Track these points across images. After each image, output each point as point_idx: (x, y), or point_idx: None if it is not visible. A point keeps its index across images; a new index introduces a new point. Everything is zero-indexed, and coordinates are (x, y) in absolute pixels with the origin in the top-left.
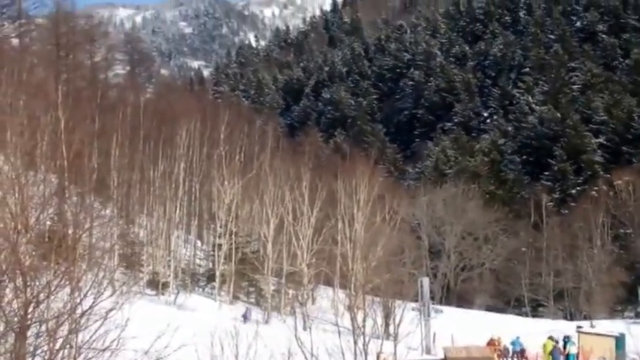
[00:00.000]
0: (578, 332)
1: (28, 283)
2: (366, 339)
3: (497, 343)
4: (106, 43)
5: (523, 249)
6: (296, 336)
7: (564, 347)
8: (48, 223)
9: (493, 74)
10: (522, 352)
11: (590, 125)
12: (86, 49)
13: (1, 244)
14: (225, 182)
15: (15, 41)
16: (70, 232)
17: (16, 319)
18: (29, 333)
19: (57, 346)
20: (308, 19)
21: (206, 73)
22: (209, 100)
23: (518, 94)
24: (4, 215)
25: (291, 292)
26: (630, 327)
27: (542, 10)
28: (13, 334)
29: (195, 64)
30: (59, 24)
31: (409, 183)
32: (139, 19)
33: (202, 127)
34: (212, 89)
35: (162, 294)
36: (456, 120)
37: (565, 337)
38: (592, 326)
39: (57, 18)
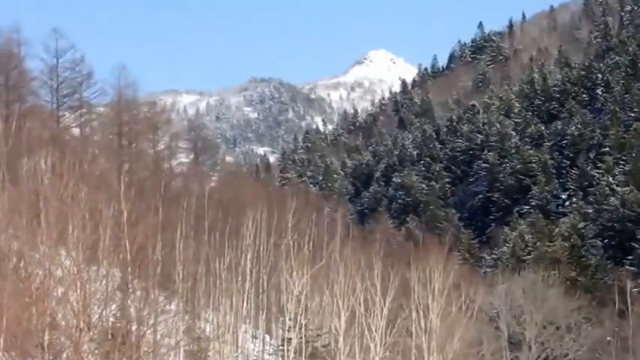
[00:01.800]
0: None
1: None
2: None
3: None
4: (169, 131)
5: (608, 338)
6: None
7: None
8: (111, 319)
9: (571, 154)
10: None
11: None
12: (149, 137)
13: (63, 343)
14: (294, 273)
15: (76, 131)
16: (133, 328)
17: None
18: None
19: None
20: (376, 101)
21: (272, 159)
22: (276, 187)
23: (597, 175)
24: (65, 312)
25: None
26: None
27: (620, 86)
28: None
29: (261, 150)
30: (121, 112)
31: (486, 270)
32: (202, 105)
33: (269, 216)
34: (279, 176)
35: None
36: (533, 203)
37: None
38: None
39: (119, 106)
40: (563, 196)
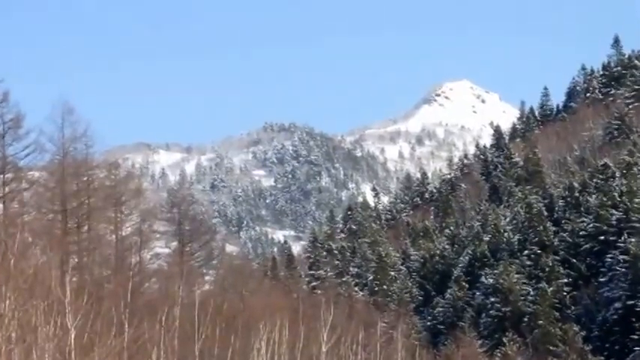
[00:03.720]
0: None
1: None
2: None
3: None
4: (139, 207)
5: None
6: None
7: None
8: None
9: None
10: None
11: None
12: (109, 217)
13: None
14: None
15: None
16: None
17: None
18: None
19: None
20: (456, 159)
21: (297, 248)
22: (303, 292)
23: None
24: None
25: None
26: None
27: None
28: None
29: (280, 234)
30: (66, 179)
31: None
32: (190, 167)
33: (292, 335)
34: (307, 274)
35: None
36: None
37: None
38: None
39: (62, 169)
40: None
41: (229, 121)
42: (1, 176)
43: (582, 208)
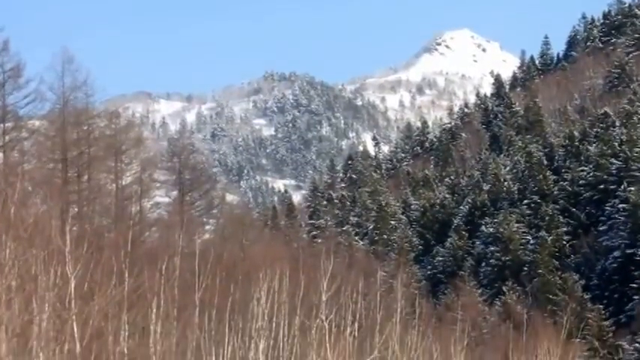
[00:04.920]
0: None
1: None
2: None
3: None
4: (139, 156)
5: None
6: None
7: None
8: None
9: None
10: None
11: None
12: (109, 166)
13: None
14: None
15: None
16: None
17: None
18: None
19: None
20: (457, 109)
21: (297, 197)
22: (303, 241)
23: None
24: None
25: None
26: None
27: None
28: None
29: (281, 183)
30: (67, 128)
31: None
32: (190, 116)
33: (293, 285)
34: (307, 223)
35: None
36: None
37: None
38: None
39: (63, 119)
40: None
41: (230, 71)
42: (2, 125)
43: (582, 157)
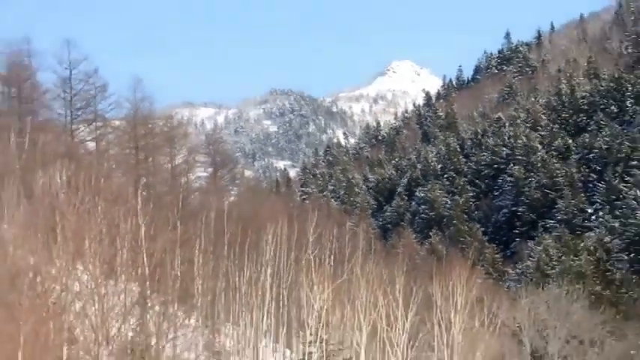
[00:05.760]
0: None
1: None
2: None
3: None
4: (186, 145)
5: (632, 352)
6: None
7: None
8: (130, 334)
9: (598, 168)
10: None
11: None
12: (166, 151)
13: (82, 357)
14: (315, 287)
15: (91, 145)
16: (152, 342)
17: None
18: None
19: None
20: (400, 114)
21: (293, 173)
22: (296, 202)
23: (625, 189)
24: (84, 327)
25: None
26: None
27: None
28: None
29: (281, 164)
30: (137, 126)
31: (509, 284)
32: (220, 118)
33: (289, 231)
34: (299, 190)
35: None
36: (558, 217)
37: None
38: None
39: (135, 120)
40: (590, 210)
41: (248, 86)
42: (94, 124)
43: (483, 147)
